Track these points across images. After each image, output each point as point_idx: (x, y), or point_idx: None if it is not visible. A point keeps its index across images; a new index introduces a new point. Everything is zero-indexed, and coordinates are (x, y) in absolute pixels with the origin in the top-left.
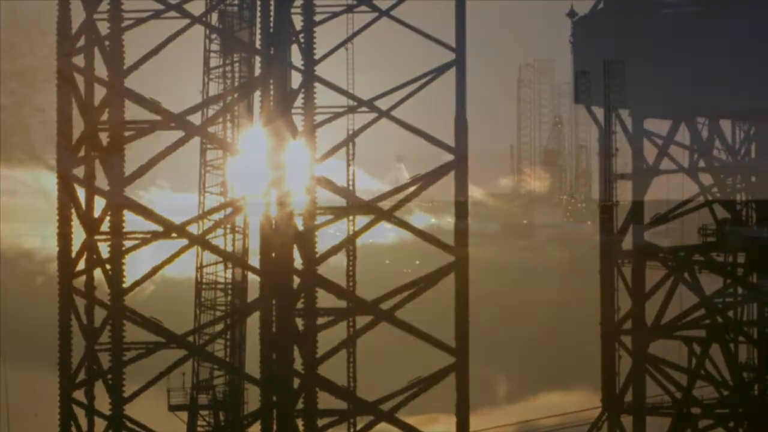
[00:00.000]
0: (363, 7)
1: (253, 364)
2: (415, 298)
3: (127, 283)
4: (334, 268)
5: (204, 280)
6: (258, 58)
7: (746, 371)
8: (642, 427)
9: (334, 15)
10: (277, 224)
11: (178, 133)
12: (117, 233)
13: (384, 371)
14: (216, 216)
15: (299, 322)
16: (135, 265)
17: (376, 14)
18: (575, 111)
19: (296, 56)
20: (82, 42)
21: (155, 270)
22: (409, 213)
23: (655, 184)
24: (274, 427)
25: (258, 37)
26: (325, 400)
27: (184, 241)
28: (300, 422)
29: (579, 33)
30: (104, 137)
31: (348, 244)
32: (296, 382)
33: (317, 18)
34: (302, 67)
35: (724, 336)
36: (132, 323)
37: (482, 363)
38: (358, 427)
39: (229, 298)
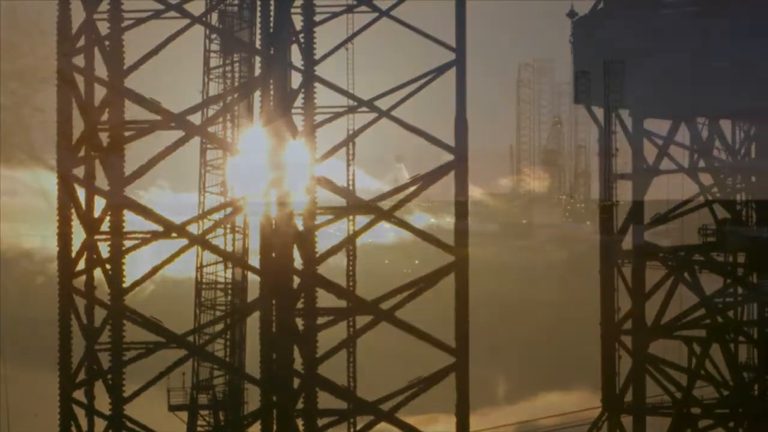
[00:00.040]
0: (363, 7)
1: (253, 364)
2: (415, 298)
3: (127, 283)
4: (334, 268)
5: (204, 280)
6: (258, 58)
7: (746, 371)
8: (642, 427)
9: (334, 15)
10: (277, 224)
11: (178, 133)
12: (117, 233)
13: (384, 371)
14: (216, 216)
15: (299, 322)
16: (135, 265)
17: (376, 14)
18: (575, 111)
19: (296, 56)
20: (82, 42)
21: (155, 270)
22: (408, 213)
23: (655, 184)
24: (274, 427)
25: (258, 37)
26: (325, 400)
27: (184, 241)
28: (300, 422)
29: (579, 33)
30: (104, 137)
31: (348, 244)
32: (296, 382)
33: (317, 18)
34: (302, 67)
35: (724, 336)
36: (132, 323)
37: (482, 363)
38: (358, 427)
39: (229, 298)
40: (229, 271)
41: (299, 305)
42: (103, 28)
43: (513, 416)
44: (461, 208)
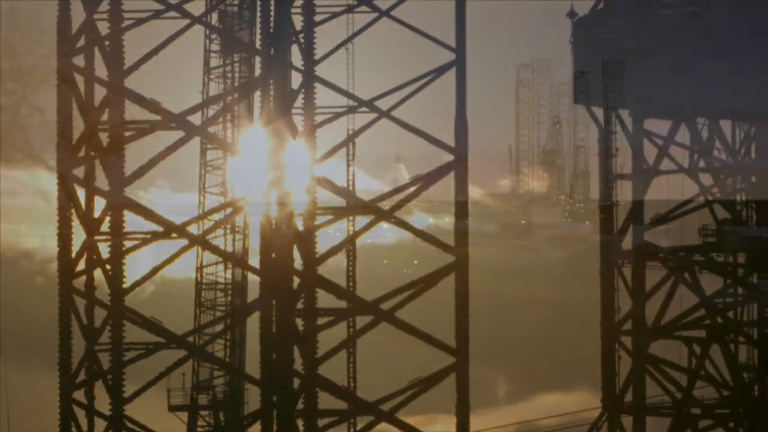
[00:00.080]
0: (363, 8)
1: (253, 365)
2: (415, 298)
3: (128, 283)
4: (334, 269)
5: (204, 281)
6: (258, 59)
7: (746, 371)
8: (642, 427)
9: (334, 15)
10: (277, 224)
11: (178, 133)
12: (117, 233)
13: (384, 371)
14: (216, 216)
15: (299, 323)
16: (135, 266)
17: (376, 14)
18: (574, 111)
19: (296, 56)
20: (82, 42)
21: (155, 270)
22: (408, 213)
23: (655, 184)
24: (274, 428)
25: (258, 37)
26: (325, 401)
27: (184, 242)
28: (300, 422)
29: (579, 33)
30: (104, 137)
31: (348, 244)
32: (296, 382)
33: (317, 18)
34: (302, 68)
35: (725, 336)
36: (132, 323)
37: (482, 363)
38: (358, 428)
39: (229, 298)
40: (229, 272)
41: (299, 305)
42: (103, 28)
43: (513, 416)
44: (461, 209)
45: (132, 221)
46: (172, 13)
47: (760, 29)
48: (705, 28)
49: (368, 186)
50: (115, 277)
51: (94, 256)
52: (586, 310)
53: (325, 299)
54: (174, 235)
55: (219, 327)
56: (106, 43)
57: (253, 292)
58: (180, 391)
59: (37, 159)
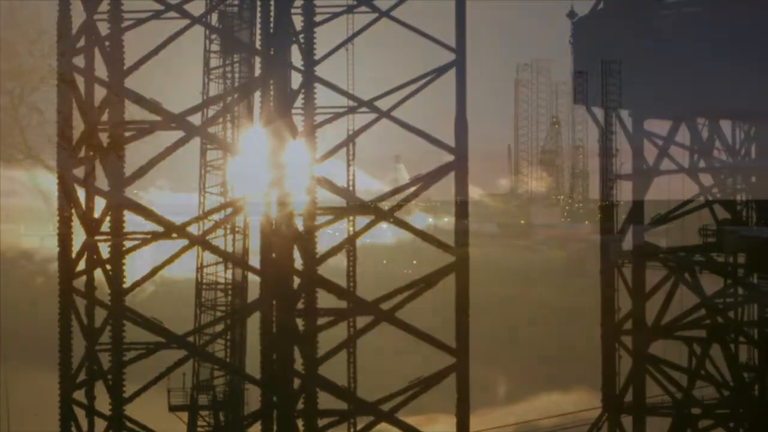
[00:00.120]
0: (363, 8)
1: (253, 365)
2: (415, 298)
3: (128, 283)
4: (334, 269)
5: (204, 281)
6: (258, 59)
7: (747, 371)
8: (642, 427)
9: (335, 15)
10: (277, 225)
11: (179, 134)
12: (117, 233)
13: (384, 371)
14: (216, 216)
15: (299, 323)
16: (135, 266)
17: (376, 15)
18: (573, 111)
19: (296, 56)
20: (82, 42)
21: (155, 270)
22: (408, 213)
23: (655, 184)
24: (275, 428)
25: (258, 37)
26: (326, 401)
27: (185, 242)
28: (300, 422)
29: (579, 34)
30: (104, 137)
31: (348, 244)
32: (296, 382)
33: (317, 18)
34: (302, 68)
35: (725, 336)
36: (132, 323)
37: (482, 363)
38: (359, 428)
39: (230, 298)
40: (230, 272)
41: (299, 306)
42: (103, 28)
43: (513, 416)
44: (461, 209)
45: (132, 221)
46: (172, 14)
47: (760, 29)
48: (705, 28)
49: (368, 186)
50: (115, 277)
51: (95, 256)
52: (585, 310)
53: (325, 299)
54: (174, 235)
55: (219, 327)
56: (106, 43)
57: (253, 293)
58: (180, 391)
59: (37, 159)
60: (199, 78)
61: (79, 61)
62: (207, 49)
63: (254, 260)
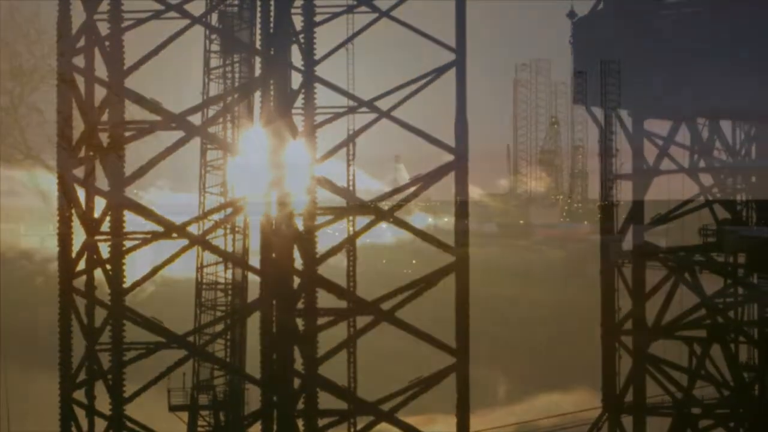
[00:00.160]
0: (363, 8)
1: (253, 365)
2: (415, 298)
3: (128, 283)
4: (334, 269)
5: (204, 281)
6: (258, 59)
7: (747, 371)
8: (642, 427)
9: (335, 15)
10: (277, 224)
11: (179, 134)
12: (117, 233)
13: (384, 371)
14: (216, 216)
15: (299, 323)
16: (135, 266)
17: (376, 15)
18: (572, 111)
19: (296, 56)
20: (82, 42)
21: (155, 270)
22: (408, 213)
23: (655, 184)
24: (275, 428)
25: (258, 37)
26: (326, 401)
27: (185, 242)
28: (300, 422)
29: (579, 34)
30: (104, 137)
31: (348, 244)
32: (297, 382)
33: (317, 18)
34: (302, 68)
35: (725, 336)
36: (132, 323)
37: (482, 363)
38: (359, 428)
39: (230, 298)
40: (230, 272)
41: (299, 305)
42: (103, 28)
43: (512, 417)
44: (461, 209)
45: (132, 221)
46: (172, 14)
47: (760, 29)
48: (705, 28)
49: (368, 186)
50: (115, 277)
51: (95, 256)
52: (584, 310)
53: (325, 299)
54: (174, 235)
55: (219, 327)
56: (106, 43)
57: (253, 292)
58: (180, 391)
59: (36, 159)
60: (199, 78)
61: (79, 61)
62: (207, 49)
63: (254, 260)
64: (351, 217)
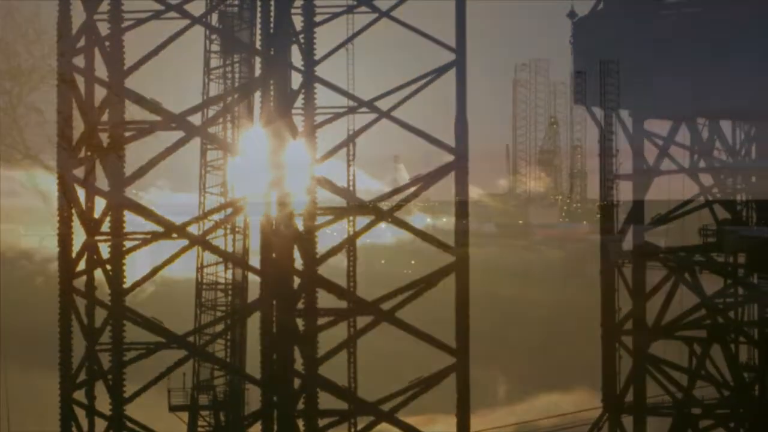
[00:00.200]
0: (363, 8)
1: (253, 365)
2: (415, 298)
3: (128, 283)
4: (334, 269)
5: (204, 281)
6: (258, 59)
7: (747, 371)
8: (642, 427)
9: (335, 15)
10: (277, 225)
11: (179, 134)
12: (117, 234)
13: (384, 371)
14: (216, 216)
15: (300, 323)
16: (135, 266)
17: (376, 15)
18: (571, 111)
19: (296, 57)
20: (82, 42)
21: (156, 270)
22: (408, 213)
23: (655, 184)
24: (275, 428)
25: (258, 37)
26: (326, 401)
27: (185, 242)
28: (301, 422)
29: (579, 34)
30: (104, 137)
31: (348, 244)
32: (297, 382)
33: (317, 18)
34: (302, 68)
35: (725, 336)
36: (132, 323)
37: (481, 363)
38: (359, 428)
39: (230, 298)
40: (230, 272)
41: (300, 306)
42: (103, 28)
43: (512, 417)
44: (461, 209)
45: (132, 221)
46: (172, 14)
47: (760, 29)
48: (705, 28)
49: (368, 186)
50: (115, 277)
51: (95, 257)
52: (584, 310)
53: (325, 299)
54: (174, 235)
55: (219, 327)
56: (106, 43)
57: (253, 293)
58: (180, 391)
59: (35, 159)
60: (199, 78)
61: (79, 61)
62: (207, 49)
63: (254, 260)
64: (351, 218)
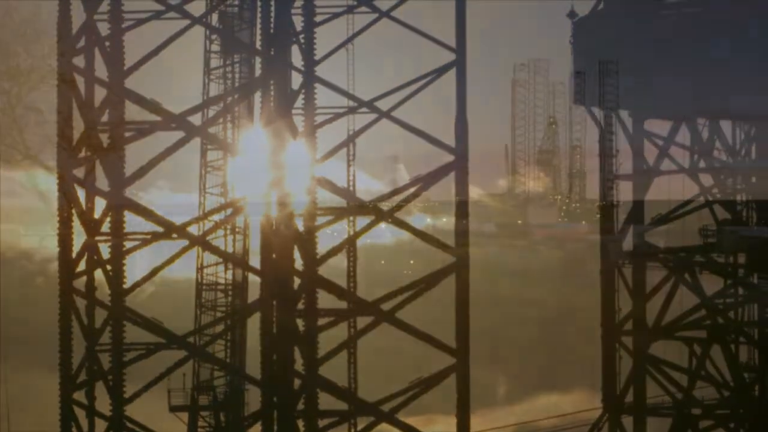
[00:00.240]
0: (363, 8)
1: (253, 365)
2: (415, 298)
3: (128, 283)
4: (334, 269)
5: (204, 281)
6: (258, 59)
7: (747, 372)
8: (642, 427)
9: (335, 16)
10: (277, 225)
11: (179, 134)
12: (117, 234)
13: (384, 372)
14: (216, 217)
15: (300, 323)
16: (135, 266)
17: (376, 15)
18: (571, 111)
19: (296, 57)
20: (82, 42)
21: (156, 271)
22: (408, 213)
23: (655, 184)
24: (275, 428)
25: (258, 37)
26: (326, 401)
27: (185, 242)
28: (301, 423)
29: (579, 34)
30: (104, 137)
31: (348, 244)
32: (297, 382)
33: (318, 18)
34: (302, 68)
35: (725, 336)
36: (132, 324)
37: (481, 364)
38: (359, 428)
39: (230, 298)
40: (230, 272)
41: (300, 306)
42: (103, 28)
43: (513, 417)
44: (461, 209)
45: (132, 221)
46: (173, 14)
47: (760, 29)
48: (705, 28)
49: (368, 186)
50: (115, 278)
51: (95, 257)
52: (583, 310)
53: (325, 300)
54: (174, 235)
55: (219, 327)
56: (106, 43)
57: (253, 293)
58: (180, 391)
59: (35, 159)
60: (199, 78)
61: (79, 61)
62: (207, 50)
63: (254, 260)
64: (351, 218)
